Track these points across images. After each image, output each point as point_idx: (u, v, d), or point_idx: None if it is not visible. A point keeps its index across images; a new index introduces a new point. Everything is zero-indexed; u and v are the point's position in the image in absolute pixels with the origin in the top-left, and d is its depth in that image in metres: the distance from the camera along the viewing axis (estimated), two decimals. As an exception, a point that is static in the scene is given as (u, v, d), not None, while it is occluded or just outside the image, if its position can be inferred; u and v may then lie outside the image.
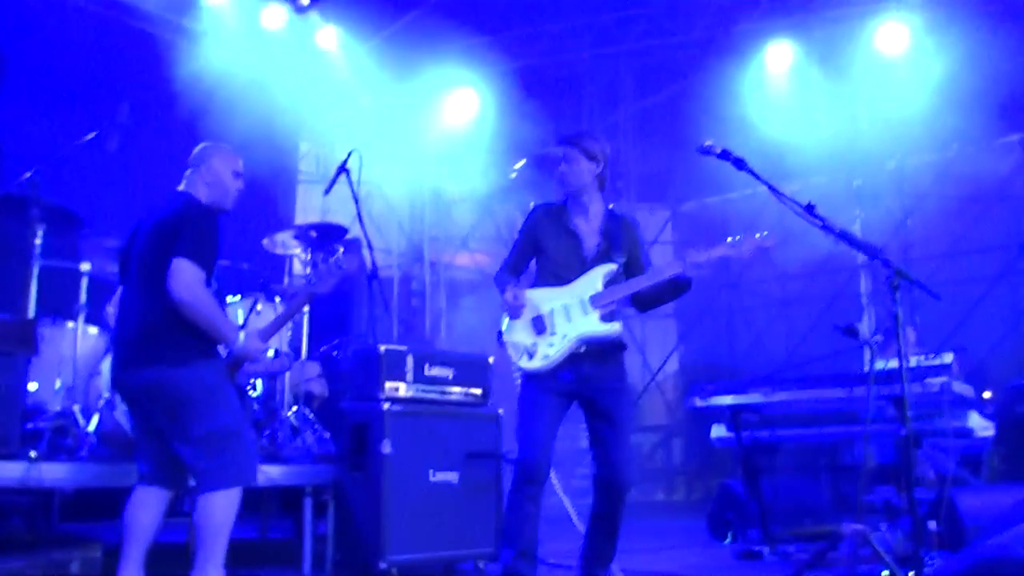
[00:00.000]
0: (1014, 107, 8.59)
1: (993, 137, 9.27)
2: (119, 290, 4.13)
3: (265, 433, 5.41)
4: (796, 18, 9.41)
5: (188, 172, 3.86)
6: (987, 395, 6.13)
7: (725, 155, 3.93)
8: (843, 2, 9.14)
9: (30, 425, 4.61)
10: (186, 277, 3.48)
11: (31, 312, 4.84)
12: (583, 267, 4.05)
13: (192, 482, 3.62)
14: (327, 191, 5.95)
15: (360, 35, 9.58)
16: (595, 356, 4.01)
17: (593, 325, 3.96)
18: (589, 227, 4.11)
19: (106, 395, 4.89)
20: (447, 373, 5.09)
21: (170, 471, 3.66)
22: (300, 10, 9.08)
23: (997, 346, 8.92)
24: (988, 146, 9.40)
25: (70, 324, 5.06)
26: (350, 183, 5.71)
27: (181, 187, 3.83)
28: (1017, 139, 9.47)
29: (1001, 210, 9.31)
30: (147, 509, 3.64)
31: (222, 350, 3.72)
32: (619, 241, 4.09)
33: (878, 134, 9.42)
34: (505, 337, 4.09)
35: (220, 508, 3.53)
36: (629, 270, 4.09)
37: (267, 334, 3.88)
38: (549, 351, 3.96)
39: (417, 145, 10.54)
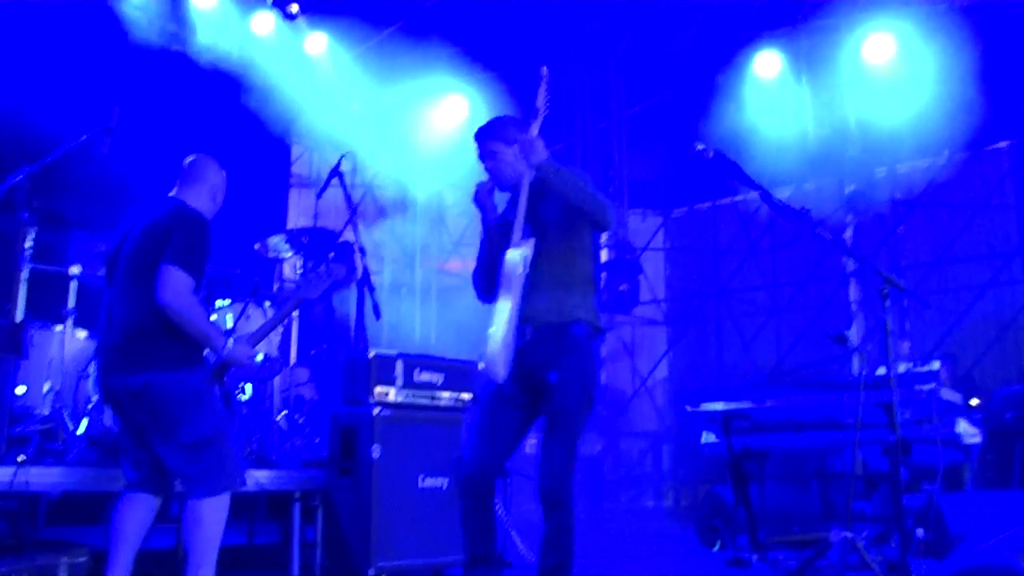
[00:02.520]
0: (1003, 114, 8.63)
1: (982, 144, 9.31)
2: None
3: (254, 438, 5.40)
4: (785, 26, 9.45)
5: (179, 179, 3.85)
6: (974, 402, 6.15)
7: (718, 160, 3.93)
8: (831, 11, 9.17)
9: (18, 429, 4.60)
10: (175, 284, 3.48)
11: (20, 315, 4.83)
12: None
13: (180, 488, 3.60)
14: (319, 195, 5.97)
15: (350, 41, 9.59)
16: (537, 347, 3.66)
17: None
18: (521, 210, 3.78)
19: (95, 399, 4.88)
20: (437, 379, 5.09)
21: (157, 476, 3.65)
22: (288, 17, 9.09)
23: (985, 353, 8.95)
24: (977, 153, 9.45)
25: (59, 327, 5.05)
26: (343, 187, 5.73)
27: (172, 193, 3.83)
28: (1006, 146, 9.52)
29: (990, 218, 9.36)
30: (134, 515, 3.63)
31: (209, 355, 3.72)
32: (541, 205, 3.76)
33: (868, 141, 9.46)
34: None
35: (210, 514, 3.52)
36: (568, 214, 3.71)
37: (256, 339, 3.88)
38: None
39: (408, 150, 10.55)
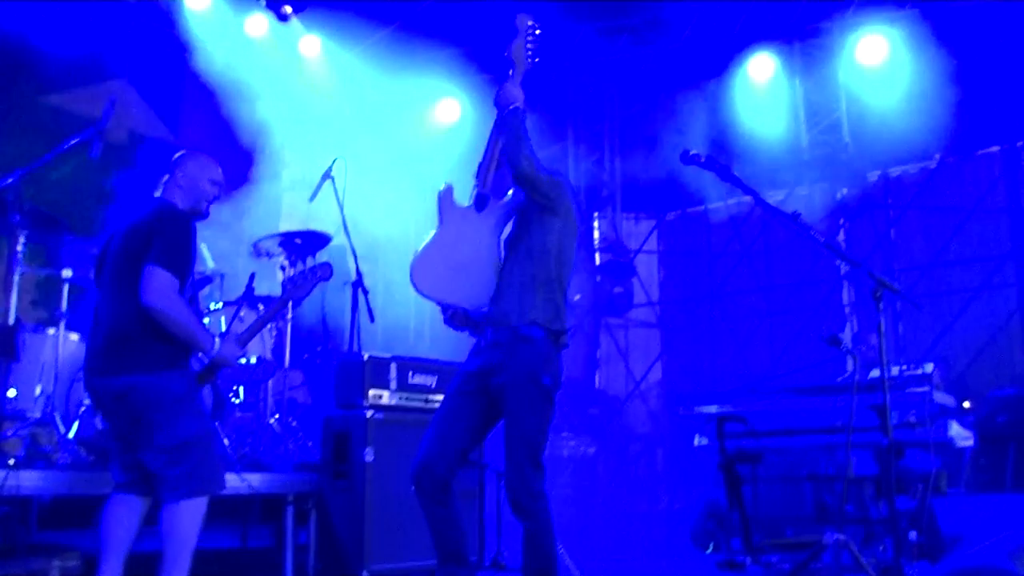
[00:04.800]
0: (995, 119, 8.66)
1: (974, 149, 9.35)
2: None
3: (247, 440, 5.38)
4: (778, 30, 9.47)
5: (165, 178, 3.85)
6: (967, 405, 6.17)
7: (710, 163, 3.94)
8: (824, 14, 9.20)
9: (10, 432, 4.58)
10: (159, 285, 3.46)
11: (12, 318, 4.82)
12: None
13: (158, 489, 3.58)
14: (312, 198, 5.96)
15: (343, 44, 9.57)
16: (496, 348, 3.69)
17: None
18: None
19: (87, 402, 4.86)
20: (430, 381, 5.09)
21: (144, 478, 3.62)
22: (282, 18, 9.08)
23: (978, 356, 8.97)
24: (969, 158, 9.48)
25: (51, 330, 5.03)
26: (335, 190, 5.73)
27: (158, 193, 3.82)
28: (998, 151, 9.55)
29: (982, 222, 9.38)
30: (123, 517, 3.61)
31: (200, 357, 3.71)
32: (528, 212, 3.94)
33: (861, 145, 9.48)
34: None
35: (186, 517, 3.51)
36: (537, 213, 3.86)
37: (244, 339, 3.87)
38: None
39: (402, 153, 10.53)
